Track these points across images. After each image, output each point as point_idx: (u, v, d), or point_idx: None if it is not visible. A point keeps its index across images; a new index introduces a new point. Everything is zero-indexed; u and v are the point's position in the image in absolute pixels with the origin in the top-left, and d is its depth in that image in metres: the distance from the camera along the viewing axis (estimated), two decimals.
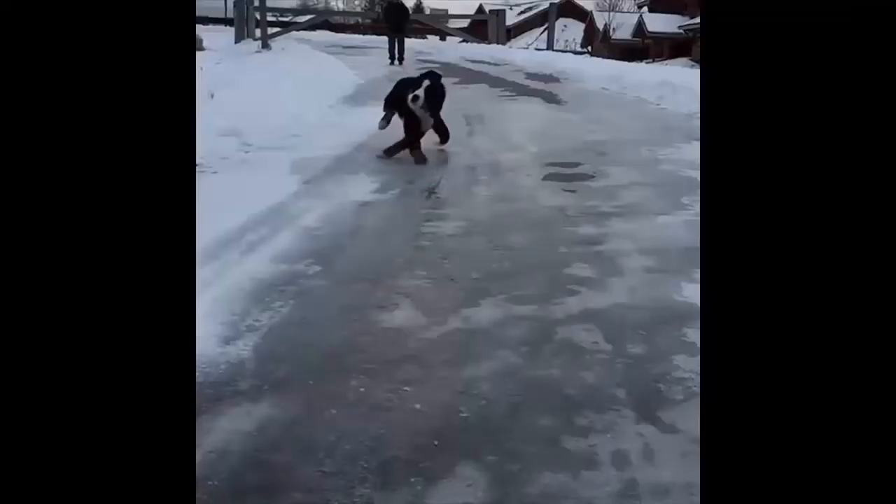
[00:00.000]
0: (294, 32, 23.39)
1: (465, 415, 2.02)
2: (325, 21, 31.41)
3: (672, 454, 1.85)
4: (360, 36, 29.44)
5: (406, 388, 2.16)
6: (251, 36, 18.30)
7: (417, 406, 2.06)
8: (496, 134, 7.14)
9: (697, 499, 1.66)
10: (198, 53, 10.09)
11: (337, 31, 30.90)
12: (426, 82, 5.61)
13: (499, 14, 24.01)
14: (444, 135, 6.11)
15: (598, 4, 46.36)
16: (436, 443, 1.89)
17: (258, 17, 18.63)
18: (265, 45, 17.08)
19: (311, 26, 26.62)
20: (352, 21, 37.39)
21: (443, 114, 5.93)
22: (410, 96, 5.54)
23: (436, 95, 5.70)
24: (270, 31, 19.02)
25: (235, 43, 17.47)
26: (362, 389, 2.16)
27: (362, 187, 4.80)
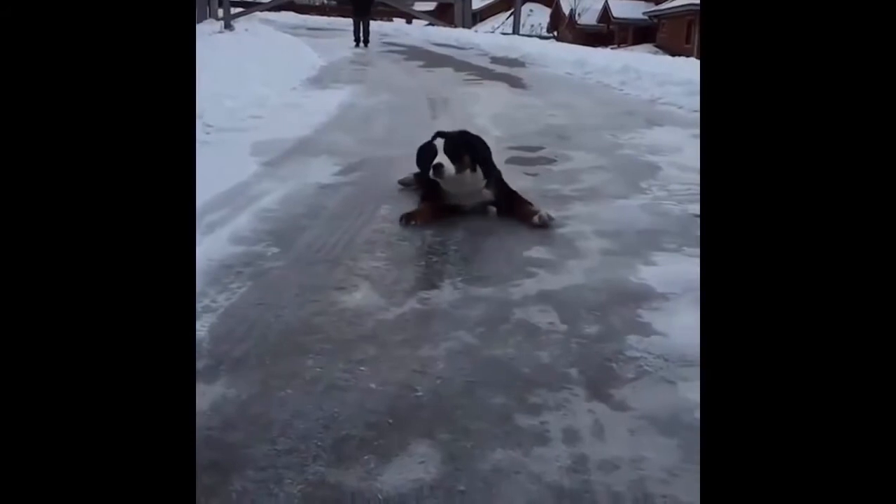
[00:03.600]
0: (258, 13, 23.16)
1: (420, 394, 2.04)
2: (290, 2, 31.02)
3: (621, 430, 1.88)
4: (325, 18, 29.20)
5: (362, 367, 2.17)
6: (213, 16, 18.05)
7: (373, 385, 2.07)
8: (460, 117, 7.15)
9: (644, 472, 1.71)
10: None
11: (301, 13, 30.63)
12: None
13: None
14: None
15: None
16: (390, 421, 1.90)
17: None
18: (228, 26, 16.87)
19: (275, 7, 26.32)
20: (317, 3, 37.04)
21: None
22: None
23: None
24: (233, 11, 18.76)
25: (197, 23, 17.20)
26: (318, 369, 2.16)
27: (324, 170, 4.78)
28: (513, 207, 3.77)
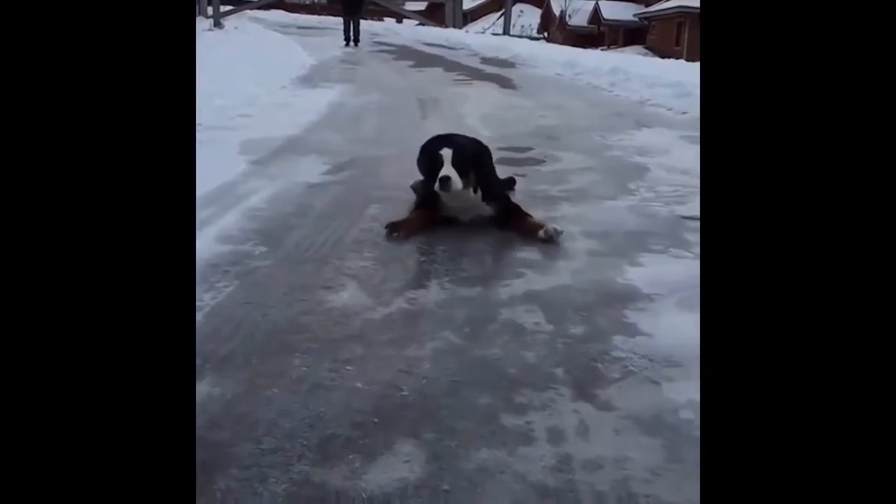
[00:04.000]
0: (247, 11, 23.10)
1: (405, 393, 2.04)
2: (280, 0, 30.97)
3: (606, 430, 1.89)
4: (315, 17, 29.18)
5: (348, 367, 2.17)
6: (203, 14, 17.98)
7: (359, 384, 2.08)
8: (450, 117, 7.17)
9: (628, 472, 1.72)
10: None
11: (291, 12, 30.61)
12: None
13: None
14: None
15: None
16: (376, 420, 1.91)
17: None
18: (217, 24, 16.83)
19: (265, 5, 26.26)
20: (307, 1, 36.99)
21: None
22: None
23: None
24: (223, 9, 18.70)
25: None
26: (305, 368, 2.16)
27: (312, 169, 4.78)
28: (514, 221, 3.54)
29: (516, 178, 4.43)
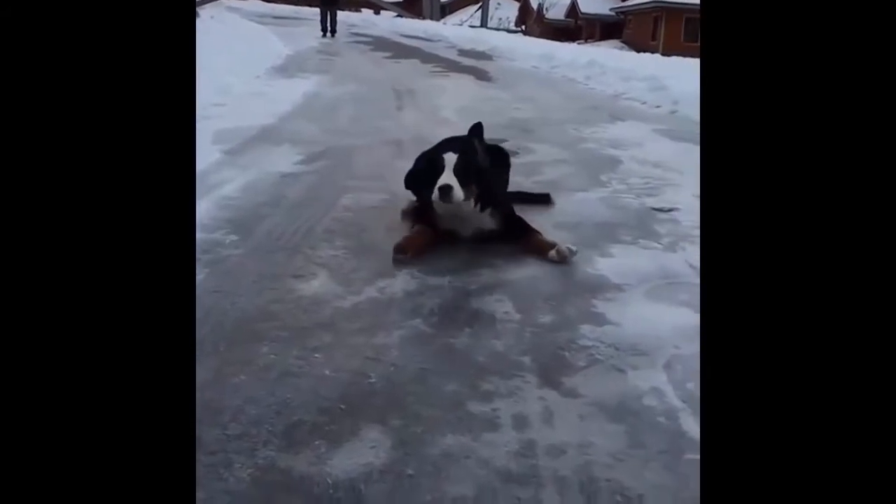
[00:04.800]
0: (224, 0, 22.86)
1: (373, 380, 2.05)
2: None
3: (571, 416, 1.91)
4: (293, 7, 29.00)
5: (317, 354, 2.18)
6: None
7: (327, 372, 2.08)
8: (425, 109, 7.17)
9: (591, 457, 1.74)
10: None
11: (268, 1, 30.37)
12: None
13: None
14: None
15: None
16: (342, 407, 1.91)
17: None
18: None
19: None
20: None
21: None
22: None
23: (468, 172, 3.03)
24: None
25: None
26: (273, 356, 2.16)
27: (286, 158, 4.77)
28: (521, 238, 3.16)
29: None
